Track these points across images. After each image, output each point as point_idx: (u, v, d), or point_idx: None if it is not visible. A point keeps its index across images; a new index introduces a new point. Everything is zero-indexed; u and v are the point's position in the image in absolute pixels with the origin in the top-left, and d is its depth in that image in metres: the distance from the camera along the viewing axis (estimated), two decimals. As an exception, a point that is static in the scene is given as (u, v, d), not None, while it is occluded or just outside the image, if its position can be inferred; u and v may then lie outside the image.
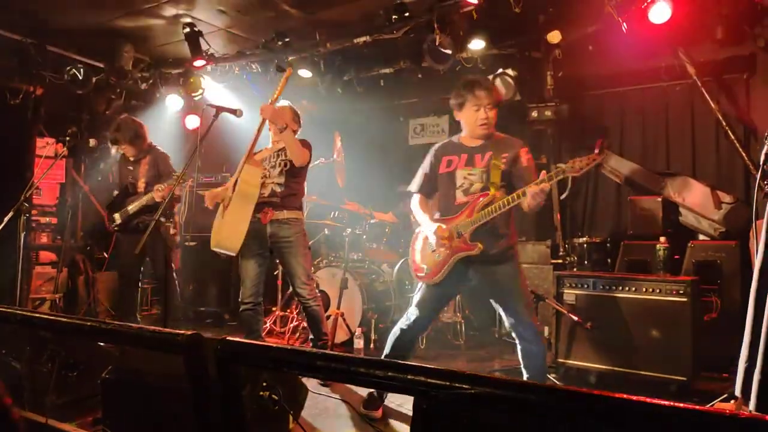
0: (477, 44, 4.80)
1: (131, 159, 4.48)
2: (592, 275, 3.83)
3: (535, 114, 4.94)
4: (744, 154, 4.49)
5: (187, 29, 5.17)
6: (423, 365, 1.20)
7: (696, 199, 4.73)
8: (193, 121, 6.60)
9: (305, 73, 5.50)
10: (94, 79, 5.77)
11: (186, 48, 5.37)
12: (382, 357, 3.14)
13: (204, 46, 5.38)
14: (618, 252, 4.54)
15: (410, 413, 1.33)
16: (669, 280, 3.51)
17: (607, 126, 5.40)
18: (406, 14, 4.52)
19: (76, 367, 2.67)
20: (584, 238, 4.89)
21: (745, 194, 4.68)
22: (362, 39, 4.85)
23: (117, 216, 4.41)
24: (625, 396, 1.00)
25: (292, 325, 5.07)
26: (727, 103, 4.71)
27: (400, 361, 1.28)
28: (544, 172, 2.73)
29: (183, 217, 5.90)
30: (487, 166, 2.95)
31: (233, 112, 3.60)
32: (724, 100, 4.70)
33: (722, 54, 4.51)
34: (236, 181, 3.57)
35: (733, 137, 4.54)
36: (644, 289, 3.53)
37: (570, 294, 3.80)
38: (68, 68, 5.64)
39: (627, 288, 3.59)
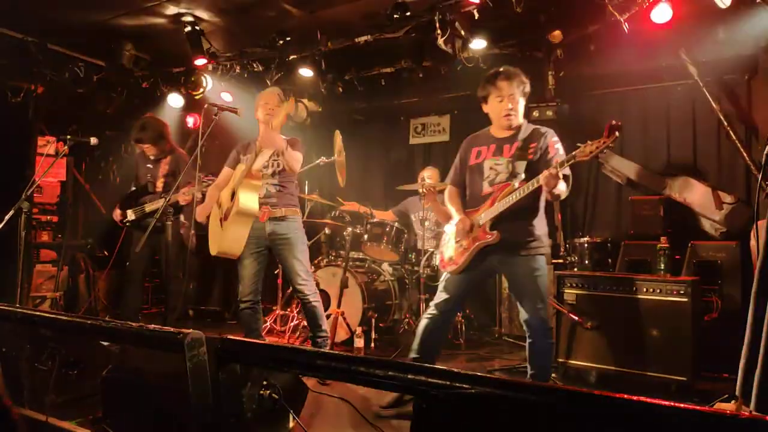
0: (478, 44, 4.80)
1: (151, 158, 4.51)
2: (593, 275, 3.84)
3: (536, 114, 4.94)
4: (745, 155, 4.48)
5: (188, 28, 5.17)
6: (423, 365, 1.20)
7: (697, 199, 4.72)
8: (193, 120, 6.61)
9: (306, 72, 5.50)
10: (95, 78, 5.77)
11: (187, 47, 5.37)
12: (411, 353, 3.18)
13: (205, 45, 5.39)
14: (618, 252, 4.54)
15: (410, 413, 1.33)
16: (669, 281, 3.51)
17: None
18: (408, 13, 4.51)
19: (76, 366, 2.67)
20: (585, 238, 4.89)
21: (746, 194, 4.68)
22: (363, 38, 4.84)
23: (130, 212, 4.44)
24: (625, 396, 1.00)
25: (292, 324, 5.07)
26: (728, 104, 4.71)
27: (400, 361, 1.28)
28: (556, 160, 2.80)
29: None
30: (513, 157, 3.00)
31: (234, 111, 3.61)
32: (725, 100, 4.70)
33: (724, 54, 4.50)
34: (233, 194, 3.58)
35: (734, 137, 4.53)
36: (645, 289, 3.53)
37: (570, 294, 3.80)
38: (69, 66, 5.64)
39: (627, 288, 3.58)
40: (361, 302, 4.67)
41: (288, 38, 5.22)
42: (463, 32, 4.53)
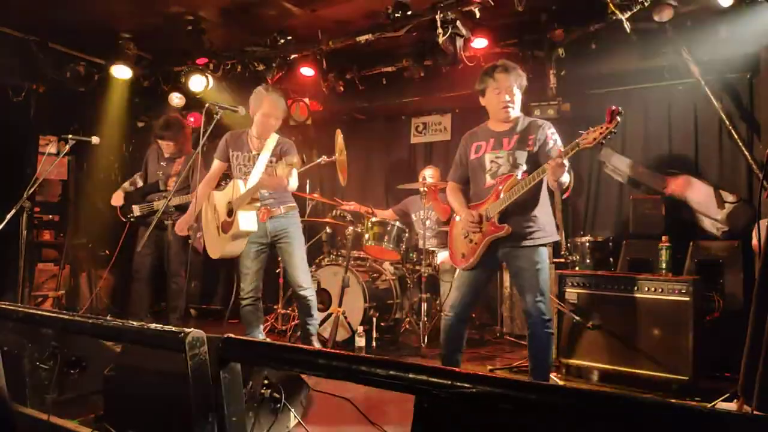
0: (480, 43, 4.79)
1: (166, 156, 4.53)
2: (594, 274, 3.83)
3: (537, 113, 4.93)
4: (747, 154, 4.47)
5: (190, 26, 5.17)
6: (424, 364, 1.20)
7: (699, 199, 4.71)
8: (194, 119, 6.60)
9: (307, 71, 5.50)
10: (96, 77, 5.77)
11: (188, 45, 5.37)
12: (441, 356, 3.22)
13: (206, 44, 5.38)
14: (620, 251, 4.54)
15: (411, 412, 1.33)
16: (671, 280, 3.51)
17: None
18: (409, 12, 4.51)
19: (78, 365, 2.68)
20: (586, 237, 4.88)
21: (749, 194, 4.67)
22: (364, 37, 4.84)
23: (137, 208, 4.45)
24: (626, 395, 1.00)
25: (293, 323, 5.07)
26: (730, 103, 4.69)
27: (401, 360, 1.28)
28: (560, 149, 2.82)
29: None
30: (512, 149, 3.03)
31: (234, 110, 3.61)
32: (727, 99, 4.69)
33: (725, 53, 4.49)
34: (231, 211, 3.61)
35: (736, 137, 4.52)
36: (646, 289, 3.53)
37: (572, 293, 3.80)
38: (70, 65, 5.65)
39: (629, 287, 3.58)
40: (362, 301, 4.67)
41: (289, 37, 5.22)
42: (464, 31, 4.53)
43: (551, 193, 3.25)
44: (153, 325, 1.66)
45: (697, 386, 3.35)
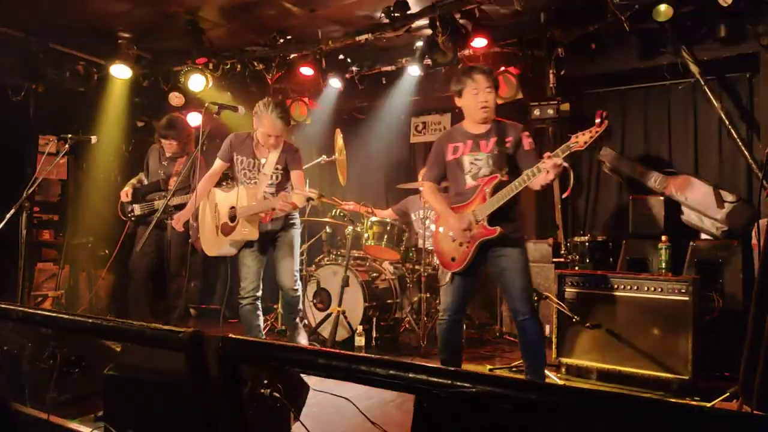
0: (479, 42, 4.79)
1: (168, 155, 4.53)
2: (594, 274, 3.83)
3: (537, 112, 4.93)
4: (747, 153, 4.47)
5: (189, 26, 5.17)
6: (424, 364, 1.20)
7: (698, 198, 4.71)
8: (194, 118, 6.59)
9: (307, 70, 5.50)
10: (96, 77, 5.77)
11: (188, 45, 5.37)
12: (441, 361, 3.23)
13: (206, 44, 5.38)
14: (620, 251, 4.53)
15: (411, 412, 1.33)
16: (671, 279, 3.51)
17: (609, 125, 5.34)
18: (408, 12, 4.51)
19: (77, 364, 2.68)
20: (586, 237, 4.88)
21: (748, 193, 4.67)
22: (364, 36, 4.84)
23: (137, 207, 4.45)
24: (626, 395, 1.00)
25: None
26: (730, 102, 4.70)
27: (401, 360, 1.28)
28: (547, 153, 2.84)
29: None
30: (491, 152, 3.05)
31: (234, 109, 3.61)
32: (726, 98, 4.69)
33: (725, 52, 4.49)
34: (235, 217, 3.63)
35: (735, 136, 4.52)
36: (646, 288, 3.53)
37: (571, 292, 3.80)
38: (70, 65, 5.64)
39: (628, 287, 3.58)
40: (362, 301, 4.67)
41: (289, 37, 5.22)
42: (463, 30, 4.53)
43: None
44: (153, 325, 1.66)
45: (696, 386, 3.35)
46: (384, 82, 5.73)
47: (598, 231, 5.24)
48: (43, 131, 5.83)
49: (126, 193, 4.58)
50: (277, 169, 3.71)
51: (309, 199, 3.41)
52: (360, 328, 4.57)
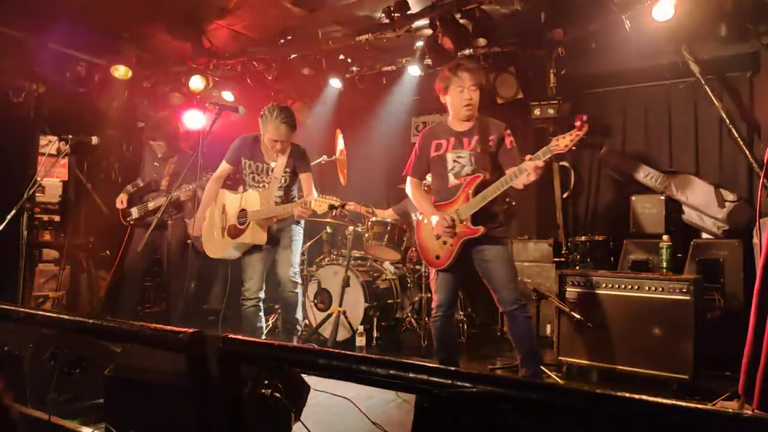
0: (479, 42, 4.78)
1: (159, 156, 4.55)
2: (595, 273, 3.83)
3: (537, 112, 4.93)
4: (747, 153, 4.47)
5: (189, 27, 5.17)
6: (425, 364, 1.19)
7: (699, 198, 4.71)
8: (195, 119, 6.59)
9: (307, 71, 5.50)
10: (96, 77, 5.77)
11: (188, 45, 5.37)
12: (439, 360, 3.25)
13: (206, 44, 5.38)
14: (620, 250, 4.53)
15: (411, 412, 1.33)
16: (671, 279, 3.51)
17: (610, 124, 5.38)
18: (408, 12, 4.51)
19: (78, 365, 2.68)
20: (586, 237, 4.88)
21: (749, 193, 4.66)
22: (364, 36, 4.84)
23: (134, 210, 4.47)
24: (626, 394, 1.00)
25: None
26: (730, 101, 4.69)
27: (401, 360, 1.28)
28: (528, 156, 2.88)
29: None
30: (474, 149, 3.07)
31: (235, 109, 3.61)
32: (727, 98, 4.68)
33: (726, 51, 4.49)
34: (245, 222, 3.64)
35: (736, 135, 4.52)
36: (647, 288, 3.53)
37: (572, 292, 3.80)
38: (70, 66, 5.65)
39: (629, 286, 3.58)
40: (362, 301, 4.67)
41: (289, 37, 5.22)
42: (463, 30, 4.52)
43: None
44: (153, 326, 1.66)
45: (697, 385, 3.35)
46: (384, 82, 5.73)
47: (598, 230, 5.23)
48: (43, 132, 5.82)
49: (121, 200, 4.60)
50: (285, 172, 3.72)
51: (332, 207, 3.30)
52: (361, 329, 4.57)
